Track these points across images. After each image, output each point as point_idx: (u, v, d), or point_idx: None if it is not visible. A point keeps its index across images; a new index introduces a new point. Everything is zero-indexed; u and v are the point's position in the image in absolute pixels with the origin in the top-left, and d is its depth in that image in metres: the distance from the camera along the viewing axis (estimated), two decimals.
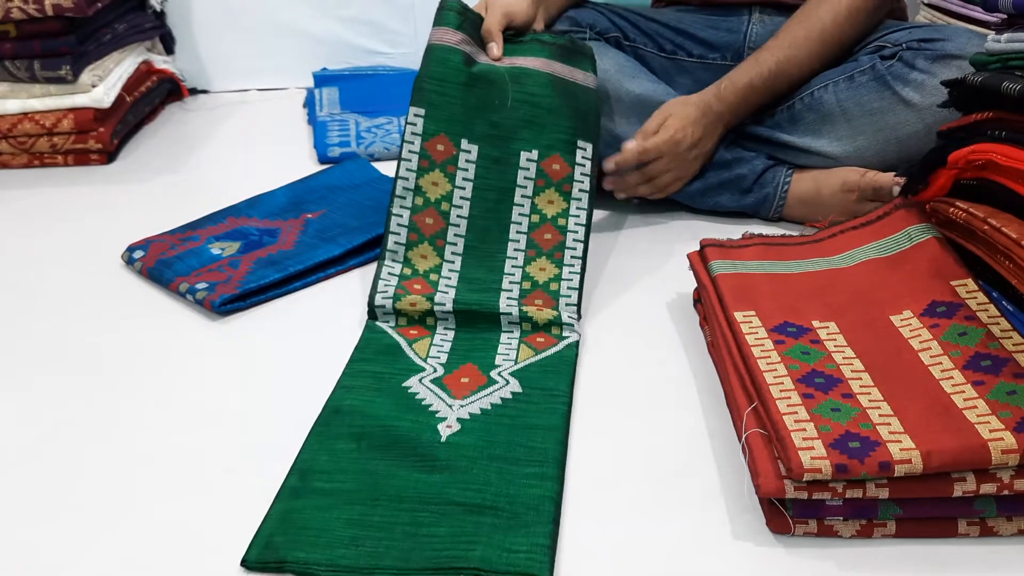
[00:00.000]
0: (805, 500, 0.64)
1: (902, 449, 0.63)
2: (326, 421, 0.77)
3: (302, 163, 1.39)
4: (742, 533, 0.66)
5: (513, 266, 0.91)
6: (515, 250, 0.92)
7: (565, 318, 0.90)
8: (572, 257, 0.92)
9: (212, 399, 0.84)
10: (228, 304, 0.97)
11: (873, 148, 1.10)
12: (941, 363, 0.72)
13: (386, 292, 0.88)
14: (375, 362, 0.85)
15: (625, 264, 1.07)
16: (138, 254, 1.07)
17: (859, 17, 1.11)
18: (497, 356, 0.85)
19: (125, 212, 1.27)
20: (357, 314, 0.97)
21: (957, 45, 1.06)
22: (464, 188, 0.93)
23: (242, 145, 1.52)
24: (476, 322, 0.89)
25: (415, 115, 0.95)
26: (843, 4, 1.10)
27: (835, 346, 0.76)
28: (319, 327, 0.95)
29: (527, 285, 0.90)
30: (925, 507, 0.64)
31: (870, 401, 0.69)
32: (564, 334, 0.88)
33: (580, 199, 0.95)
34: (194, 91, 1.79)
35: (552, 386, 0.81)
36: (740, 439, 0.71)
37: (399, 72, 1.76)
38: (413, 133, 0.95)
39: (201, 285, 0.98)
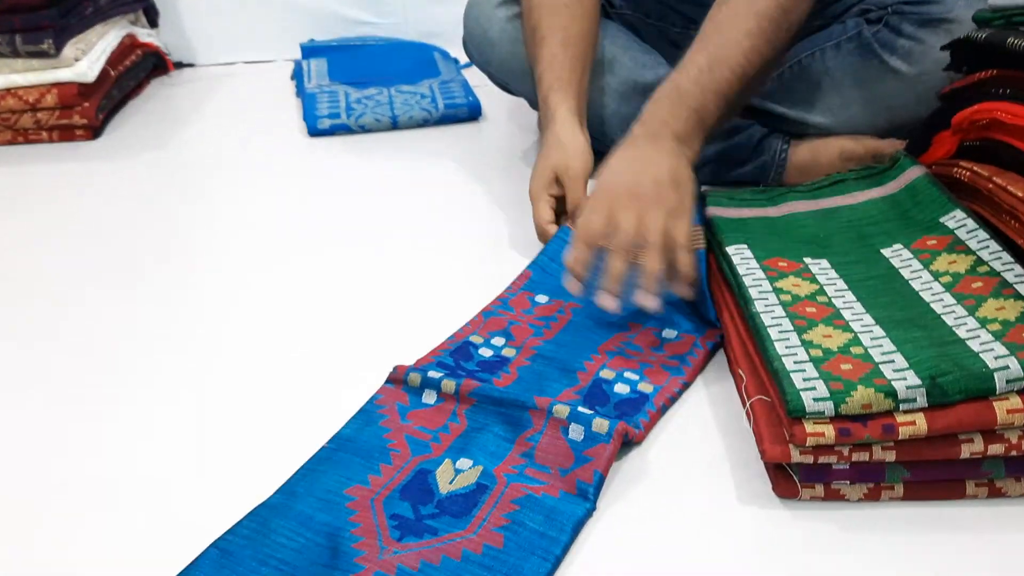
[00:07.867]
0: (811, 465, 0.63)
1: (906, 411, 0.62)
2: None
3: (291, 136, 1.38)
4: (748, 498, 0.65)
5: (956, 319, 0.70)
6: (945, 307, 0.72)
7: None
8: None
9: (200, 396, 0.83)
10: None
11: (864, 118, 1.07)
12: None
13: (813, 390, 0.63)
14: None
15: None
16: None
17: None
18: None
19: (113, 188, 1.25)
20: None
21: (946, 7, 1.01)
22: (834, 283, 0.78)
23: (230, 119, 1.50)
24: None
25: (736, 251, 0.82)
26: None
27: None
28: None
29: (994, 327, 0.67)
30: (933, 469, 0.63)
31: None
32: None
33: (987, 246, 0.77)
34: (179, 65, 1.77)
35: None
36: (744, 406, 0.70)
37: (388, 43, 1.74)
38: (742, 259, 0.81)
39: None
